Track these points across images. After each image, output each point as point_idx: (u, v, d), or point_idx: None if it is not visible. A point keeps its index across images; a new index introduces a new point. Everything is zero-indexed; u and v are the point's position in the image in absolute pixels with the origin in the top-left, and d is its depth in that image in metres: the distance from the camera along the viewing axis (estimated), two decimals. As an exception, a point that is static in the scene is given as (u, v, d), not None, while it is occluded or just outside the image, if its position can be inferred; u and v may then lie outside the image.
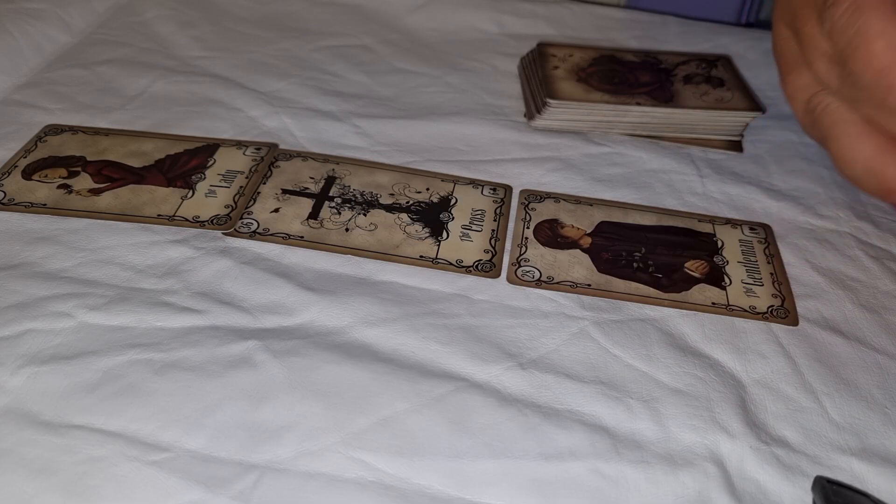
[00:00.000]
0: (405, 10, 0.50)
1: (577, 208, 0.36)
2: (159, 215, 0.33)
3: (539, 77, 0.42)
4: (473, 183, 0.37)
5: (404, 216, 0.34)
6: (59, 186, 0.34)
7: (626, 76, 0.42)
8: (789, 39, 0.35)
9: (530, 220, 0.35)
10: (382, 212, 0.34)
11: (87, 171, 0.35)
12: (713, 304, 0.31)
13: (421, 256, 0.32)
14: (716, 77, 0.43)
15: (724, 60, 0.45)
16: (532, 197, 0.36)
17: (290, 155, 0.37)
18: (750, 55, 0.48)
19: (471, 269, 0.32)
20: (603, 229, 0.35)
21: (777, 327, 0.30)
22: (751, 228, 0.35)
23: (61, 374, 0.26)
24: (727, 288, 0.32)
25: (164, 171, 0.35)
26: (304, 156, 0.37)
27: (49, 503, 0.23)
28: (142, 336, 0.28)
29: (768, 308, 0.31)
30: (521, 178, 0.37)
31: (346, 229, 0.33)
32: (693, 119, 0.40)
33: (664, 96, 0.41)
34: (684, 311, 0.31)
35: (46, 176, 0.35)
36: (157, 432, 0.25)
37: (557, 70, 0.43)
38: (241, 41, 0.47)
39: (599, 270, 0.32)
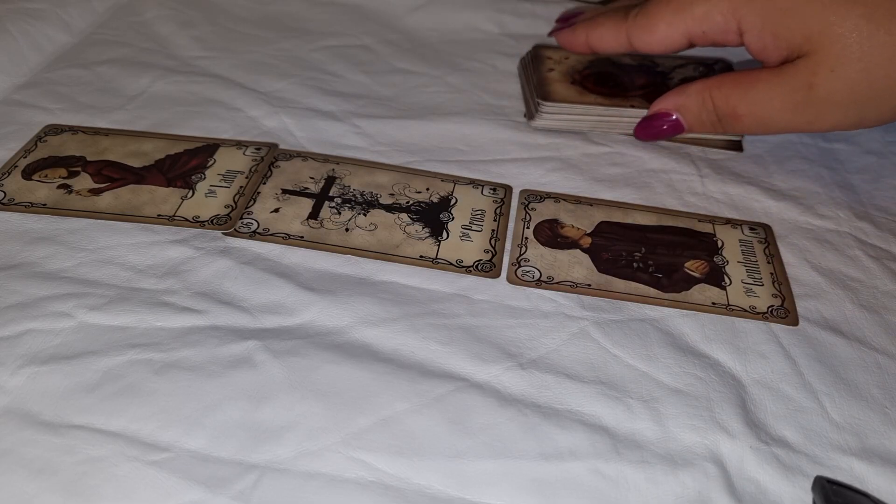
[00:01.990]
0: (405, 10, 0.50)
1: (577, 208, 0.36)
2: (159, 215, 0.33)
3: (535, 80, 0.42)
4: (473, 183, 0.37)
5: (404, 216, 0.34)
6: (59, 186, 0.34)
7: (621, 79, 0.42)
8: None
9: (530, 220, 0.35)
10: (382, 212, 0.34)
11: (87, 171, 0.35)
12: (713, 304, 0.31)
13: (421, 256, 0.32)
14: None
15: (723, 64, 0.45)
16: (532, 197, 0.36)
17: (290, 155, 0.37)
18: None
19: (471, 269, 0.32)
20: (603, 229, 0.35)
21: (777, 327, 0.30)
22: (751, 228, 0.35)
23: (61, 374, 0.26)
24: (727, 288, 0.32)
25: (164, 171, 0.35)
26: (304, 156, 0.37)
27: (49, 503, 0.23)
28: (142, 336, 0.28)
29: (768, 308, 0.31)
30: (521, 178, 0.37)
31: (346, 229, 0.33)
32: None
33: None
34: (684, 311, 0.31)
35: (46, 176, 0.35)
36: (157, 432, 0.25)
37: (552, 73, 0.43)
38: (241, 41, 0.47)
39: (599, 270, 0.32)
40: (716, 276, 0.32)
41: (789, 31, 0.34)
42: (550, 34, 0.44)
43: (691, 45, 0.38)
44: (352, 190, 0.35)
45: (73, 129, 0.38)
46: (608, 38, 0.40)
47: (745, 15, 0.35)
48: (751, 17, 0.35)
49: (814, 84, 0.34)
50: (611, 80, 0.42)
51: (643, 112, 0.40)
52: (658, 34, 0.37)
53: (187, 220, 0.33)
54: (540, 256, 0.33)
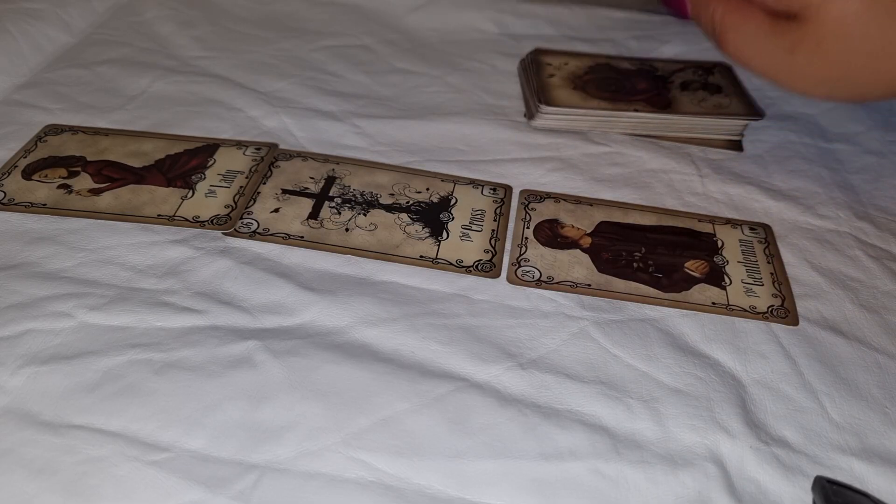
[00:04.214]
0: (405, 10, 0.50)
1: (577, 208, 0.36)
2: (159, 215, 0.33)
3: (536, 85, 0.42)
4: (473, 183, 0.37)
5: (404, 216, 0.34)
6: (59, 186, 0.34)
7: (622, 84, 0.42)
8: None
9: (530, 220, 0.35)
10: (382, 212, 0.34)
11: (87, 171, 0.35)
12: (713, 303, 0.31)
13: (421, 256, 0.32)
14: (713, 84, 0.44)
15: (722, 67, 0.45)
16: (532, 197, 0.36)
17: (290, 155, 0.37)
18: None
19: (471, 269, 0.32)
20: (603, 229, 0.35)
21: (777, 327, 0.30)
22: (751, 228, 0.35)
23: (61, 374, 0.26)
24: (727, 288, 0.32)
25: (164, 171, 0.35)
26: (304, 156, 0.37)
27: (49, 503, 0.23)
28: (142, 336, 0.28)
29: (768, 308, 0.31)
30: (521, 178, 0.37)
31: (346, 229, 0.33)
32: (692, 124, 0.40)
33: (661, 103, 0.41)
34: (684, 310, 0.31)
35: (46, 176, 0.35)
36: (157, 432, 0.25)
37: (553, 78, 0.43)
38: (241, 41, 0.47)
39: (599, 270, 0.32)
40: (716, 276, 0.32)
41: None
42: None
43: None
44: (352, 190, 0.35)
45: (73, 129, 0.38)
46: None
47: None
48: None
49: (796, 50, 0.34)
50: (612, 84, 0.42)
51: (645, 114, 0.40)
52: None
53: (187, 220, 0.33)
54: (540, 256, 0.33)
